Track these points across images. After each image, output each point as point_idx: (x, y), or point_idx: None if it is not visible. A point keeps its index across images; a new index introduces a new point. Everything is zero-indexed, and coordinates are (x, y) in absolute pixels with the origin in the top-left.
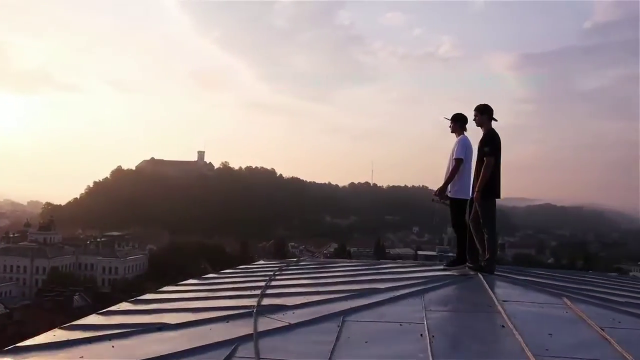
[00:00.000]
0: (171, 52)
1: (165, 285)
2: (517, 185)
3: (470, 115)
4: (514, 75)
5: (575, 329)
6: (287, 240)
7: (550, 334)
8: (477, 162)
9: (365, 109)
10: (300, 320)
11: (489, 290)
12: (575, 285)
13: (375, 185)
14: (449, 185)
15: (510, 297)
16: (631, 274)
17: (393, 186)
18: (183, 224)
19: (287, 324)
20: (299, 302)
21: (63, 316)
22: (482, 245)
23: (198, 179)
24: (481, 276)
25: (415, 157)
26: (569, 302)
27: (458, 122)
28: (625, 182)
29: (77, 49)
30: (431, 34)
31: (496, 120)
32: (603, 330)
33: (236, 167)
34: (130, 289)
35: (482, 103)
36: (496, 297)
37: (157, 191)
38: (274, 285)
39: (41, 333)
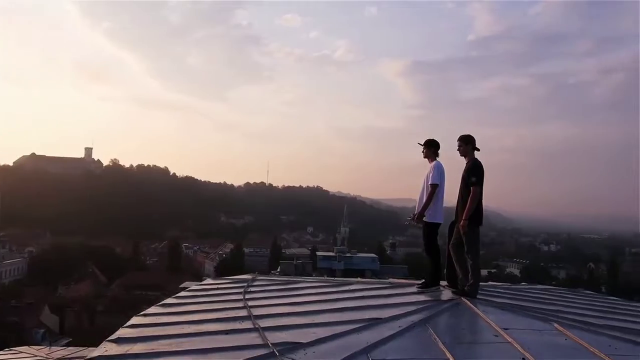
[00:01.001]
0: (55, 41)
1: (45, 290)
2: (405, 186)
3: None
4: (405, 82)
5: (587, 358)
6: (181, 241)
7: None
8: (461, 190)
9: (261, 109)
10: None
11: (484, 316)
12: (553, 308)
13: (270, 185)
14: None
15: (508, 324)
16: (507, 270)
17: (288, 186)
18: (67, 225)
19: None
20: (311, 339)
21: None
22: (463, 270)
23: (85, 177)
24: (466, 300)
25: (310, 158)
26: (560, 328)
27: (431, 148)
28: (501, 184)
29: None
30: (327, 37)
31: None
32: (610, 357)
33: (127, 165)
34: (7, 297)
35: (465, 133)
36: (496, 325)
37: (38, 189)
38: (259, 315)
39: None
